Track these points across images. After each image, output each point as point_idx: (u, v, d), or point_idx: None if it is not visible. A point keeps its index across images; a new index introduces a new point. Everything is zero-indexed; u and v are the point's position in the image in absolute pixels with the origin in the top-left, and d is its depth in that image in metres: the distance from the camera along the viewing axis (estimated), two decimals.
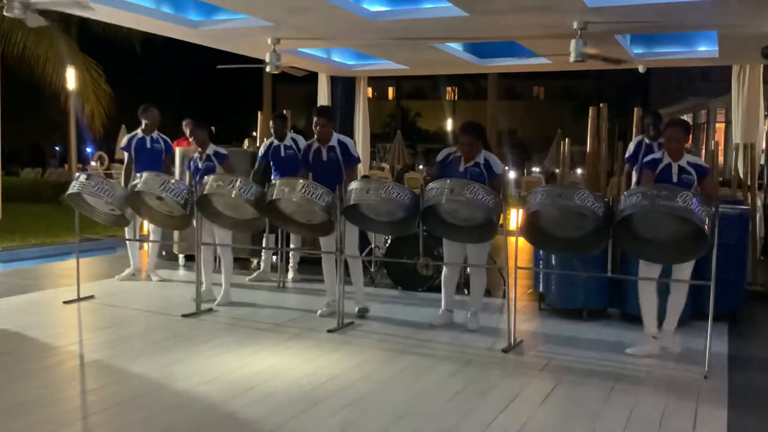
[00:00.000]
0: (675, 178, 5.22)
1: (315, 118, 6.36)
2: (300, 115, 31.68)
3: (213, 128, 7.04)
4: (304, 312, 6.51)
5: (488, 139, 6.05)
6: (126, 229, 7.59)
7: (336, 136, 6.40)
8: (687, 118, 32.06)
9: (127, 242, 7.95)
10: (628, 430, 3.90)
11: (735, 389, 4.59)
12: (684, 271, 5.25)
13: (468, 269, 7.59)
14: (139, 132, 7.76)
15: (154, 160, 7.54)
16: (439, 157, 6.00)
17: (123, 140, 7.90)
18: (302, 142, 7.30)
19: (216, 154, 6.75)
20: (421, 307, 6.65)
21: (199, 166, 6.70)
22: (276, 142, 7.67)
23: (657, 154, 5.49)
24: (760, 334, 6.23)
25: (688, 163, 5.26)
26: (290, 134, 7.81)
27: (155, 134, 7.74)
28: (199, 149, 6.78)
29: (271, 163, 7.69)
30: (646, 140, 7.49)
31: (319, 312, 6.34)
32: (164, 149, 7.73)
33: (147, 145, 7.69)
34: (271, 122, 7.90)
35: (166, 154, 7.74)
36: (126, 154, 7.83)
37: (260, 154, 7.82)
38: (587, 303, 6.35)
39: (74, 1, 6.65)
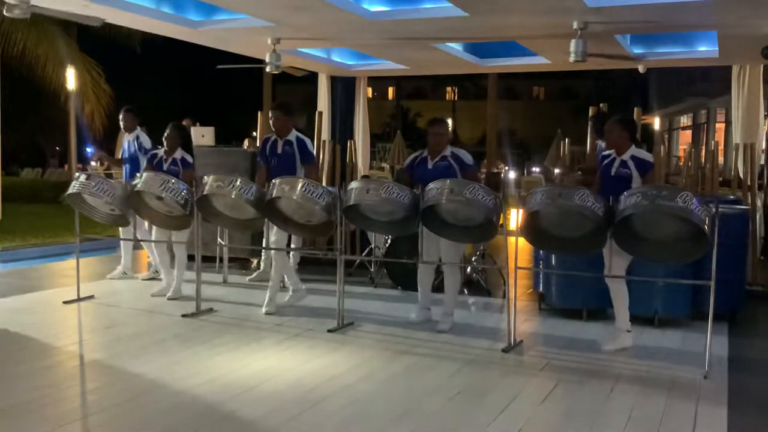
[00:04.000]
0: (613, 171, 5.45)
1: (270, 112, 6.61)
2: (300, 115, 31.61)
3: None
4: (304, 312, 6.51)
5: (456, 136, 6.29)
6: (121, 228, 7.64)
7: (295, 133, 6.58)
8: (687, 118, 32.09)
9: (122, 242, 8.00)
10: (628, 430, 3.90)
11: (735, 389, 4.59)
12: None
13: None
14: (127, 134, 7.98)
15: (133, 160, 7.70)
16: (407, 162, 6.20)
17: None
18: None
19: (182, 160, 6.87)
20: None
21: (163, 166, 6.81)
22: None
23: (609, 151, 5.69)
24: (760, 334, 6.24)
25: (631, 156, 5.43)
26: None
27: (133, 135, 7.82)
28: (165, 149, 6.92)
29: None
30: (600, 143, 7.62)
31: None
32: (137, 149, 7.79)
33: (126, 146, 7.91)
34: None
35: (142, 153, 7.78)
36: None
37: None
38: (587, 303, 6.35)
39: (87, 16, 6.77)
